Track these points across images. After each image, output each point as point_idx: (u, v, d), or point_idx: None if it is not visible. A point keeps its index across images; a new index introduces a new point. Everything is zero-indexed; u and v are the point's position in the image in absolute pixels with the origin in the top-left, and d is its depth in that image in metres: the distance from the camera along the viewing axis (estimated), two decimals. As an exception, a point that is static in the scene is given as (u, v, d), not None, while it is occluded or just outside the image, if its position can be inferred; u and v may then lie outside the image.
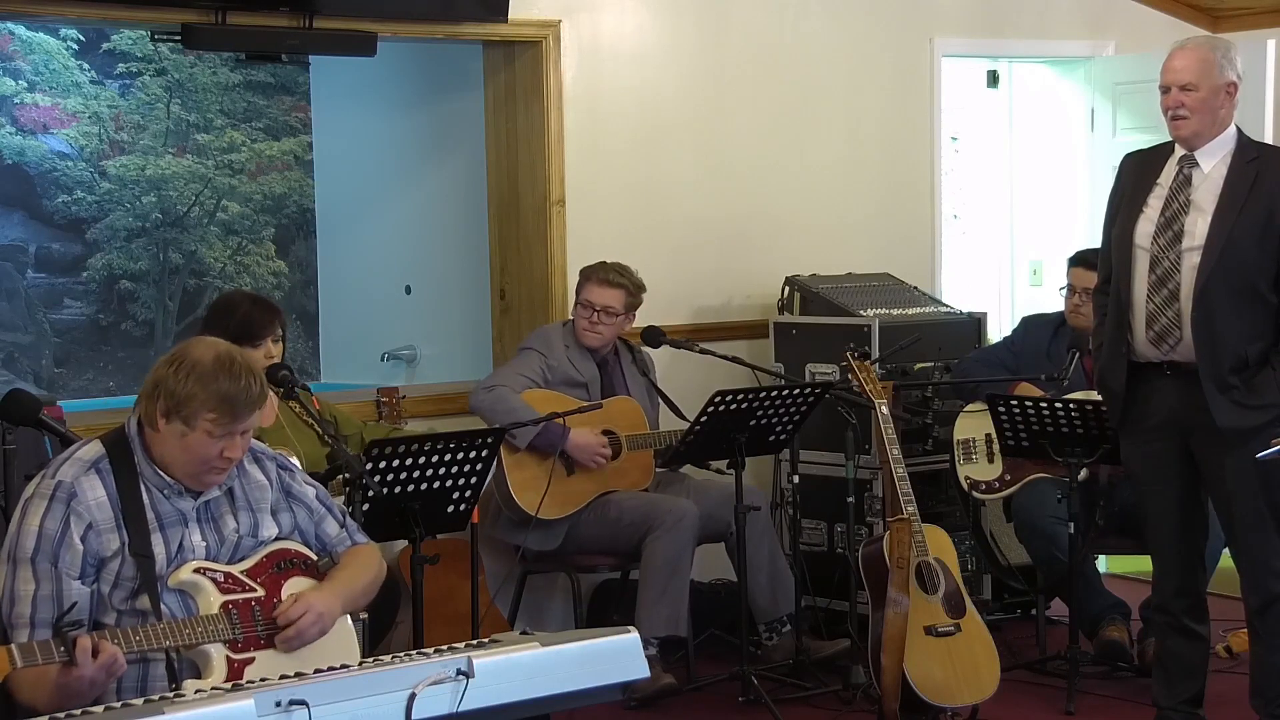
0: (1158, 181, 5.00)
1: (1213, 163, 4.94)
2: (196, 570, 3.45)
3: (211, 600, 3.43)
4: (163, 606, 3.41)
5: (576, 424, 5.77)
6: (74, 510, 3.38)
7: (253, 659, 3.42)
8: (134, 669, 3.35)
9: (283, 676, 2.93)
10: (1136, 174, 5.08)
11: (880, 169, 7.32)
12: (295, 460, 5.14)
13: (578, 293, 6.04)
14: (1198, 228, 4.89)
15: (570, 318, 6.11)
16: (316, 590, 3.58)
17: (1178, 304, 4.90)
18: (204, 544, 3.51)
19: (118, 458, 3.46)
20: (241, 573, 3.51)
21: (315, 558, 3.65)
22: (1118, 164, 5.24)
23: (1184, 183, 4.95)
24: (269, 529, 3.62)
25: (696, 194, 6.85)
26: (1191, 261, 4.88)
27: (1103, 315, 5.13)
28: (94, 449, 3.48)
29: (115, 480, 3.44)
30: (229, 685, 2.94)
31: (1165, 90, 4.96)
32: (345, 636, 3.64)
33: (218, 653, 3.38)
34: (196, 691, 2.92)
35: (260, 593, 3.50)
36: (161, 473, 3.48)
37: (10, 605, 3.35)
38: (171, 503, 3.49)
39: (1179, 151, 4.99)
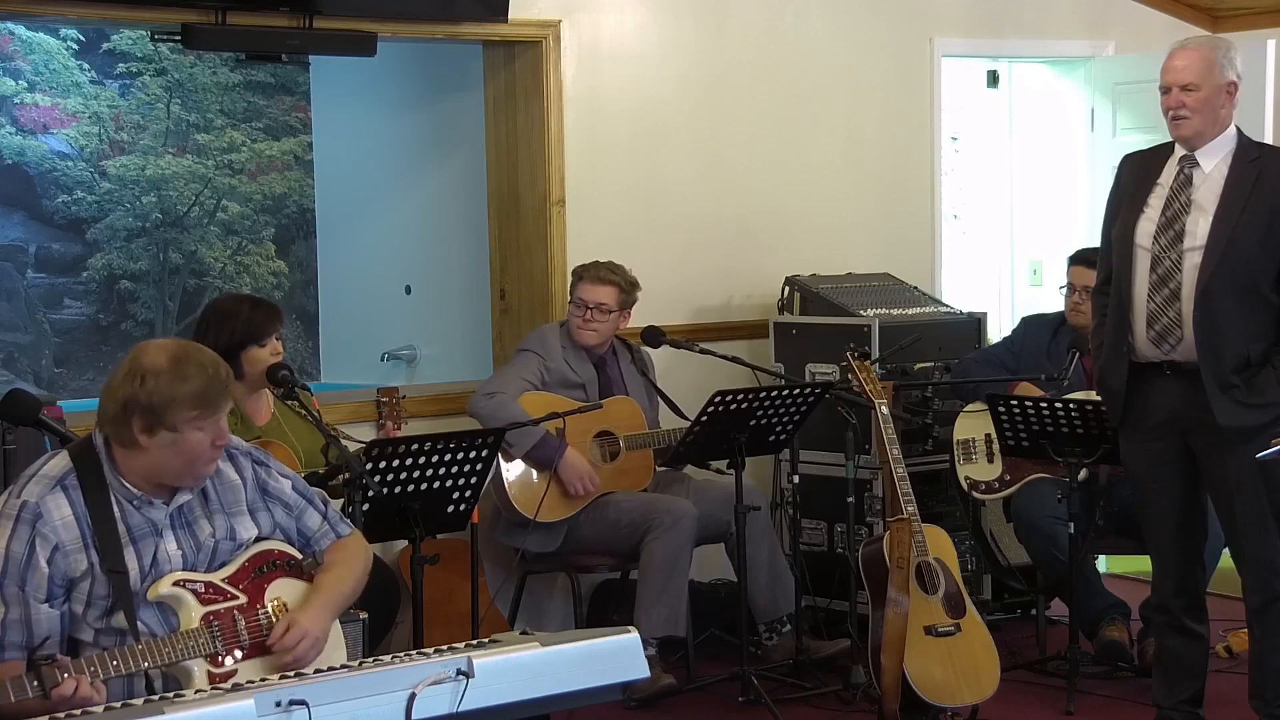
0: (1158, 181, 5.00)
1: (1214, 162, 4.94)
2: (176, 583, 3.40)
3: (192, 613, 3.38)
4: (141, 623, 3.36)
5: (575, 437, 5.76)
6: (39, 532, 3.31)
7: (235, 671, 3.38)
8: (116, 684, 3.28)
9: (282, 677, 2.93)
10: (1137, 174, 5.08)
11: (880, 169, 7.33)
12: (293, 459, 5.18)
13: (571, 292, 6.04)
14: (1199, 227, 4.89)
15: (566, 318, 6.11)
16: (306, 609, 3.52)
17: (1179, 304, 4.90)
18: (180, 552, 3.45)
19: (86, 471, 3.39)
20: (223, 580, 3.46)
21: (299, 557, 3.59)
22: (1117, 164, 5.24)
23: (1185, 183, 4.95)
24: (247, 530, 3.55)
25: (696, 194, 6.85)
26: (1193, 261, 4.88)
27: (1102, 315, 5.13)
28: (60, 463, 3.40)
29: (84, 495, 3.37)
30: (229, 685, 2.94)
31: (1166, 90, 4.96)
32: (333, 639, 3.61)
33: (199, 668, 3.34)
34: (197, 691, 2.92)
35: (242, 600, 3.46)
36: (130, 485, 3.40)
37: None
38: (143, 514, 3.42)
39: (1179, 151, 4.99)
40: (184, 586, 3.40)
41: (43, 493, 3.35)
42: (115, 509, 3.39)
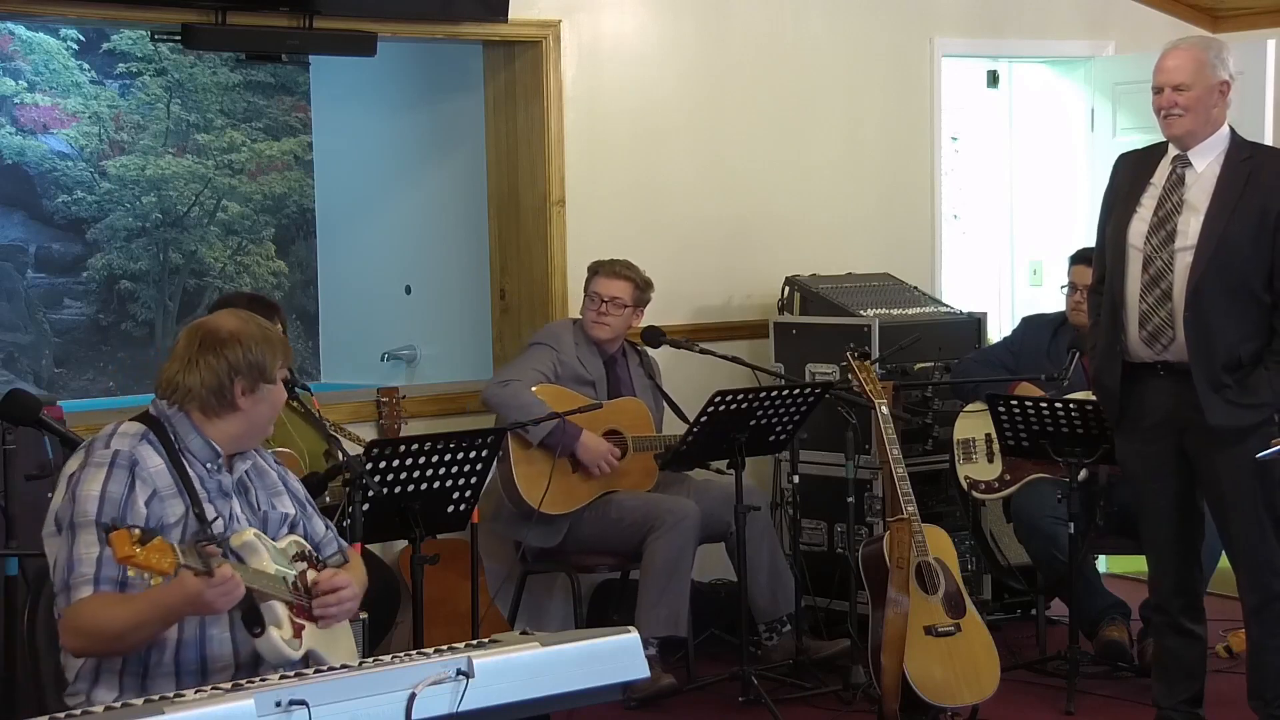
0: (1151, 181, 5.00)
1: (1206, 162, 4.94)
2: (255, 534, 3.44)
3: (265, 565, 3.40)
4: None
5: (586, 427, 5.78)
6: (138, 476, 3.37)
7: (304, 625, 3.42)
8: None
9: (282, 677, 2.93)
10: (1131, 174, 5.09)
11: (880, 169, 7.33)
12: (297, 460, 5.18)
13: (586, 287, 6.06)
14: (1190, 227, 4.89)
15: (578, 316, 6.12)
16: (347, 572, 3.61)
17: (1170, 304, 4.90)
18: (244, 515, 3.53)
19: (159, 435, 3.46)
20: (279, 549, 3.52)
21: (319, 556, 3.65)
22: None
23: (1177, 182, 4.95)
24: (286, 507, 3.64)
25: (696, 194, 6.85)
26: (1184, 261, 4.88)
27: (1097, 315, 5.14)
28: (136, 426, 3.47)
29: (165, 452, 3.45)
30: (229, 685, 2.94)
31: (1158, 90, 4.96)
32: (344, 637, 3.64)
33: (283, 610, 3.36)
34: (196, 691, 2.92)
35: (287, 570, 3.50)
36: (216, 444, 3.49)
37: (68, 570, 3.30)
38: (214, 478, 3.50)
39: (1172, 151, 4.99)
40: (260, 540, 3.44)
41: (133, 444, 3.42)
42: (190, 470, 3.46)
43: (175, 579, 3.12)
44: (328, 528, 3.77)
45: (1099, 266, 5.15)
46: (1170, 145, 5.00)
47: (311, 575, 3.54)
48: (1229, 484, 4.93)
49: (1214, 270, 4.84)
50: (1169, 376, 4.95)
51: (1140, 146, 5.26)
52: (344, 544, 3.80)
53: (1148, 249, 4.94)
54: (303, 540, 3.64)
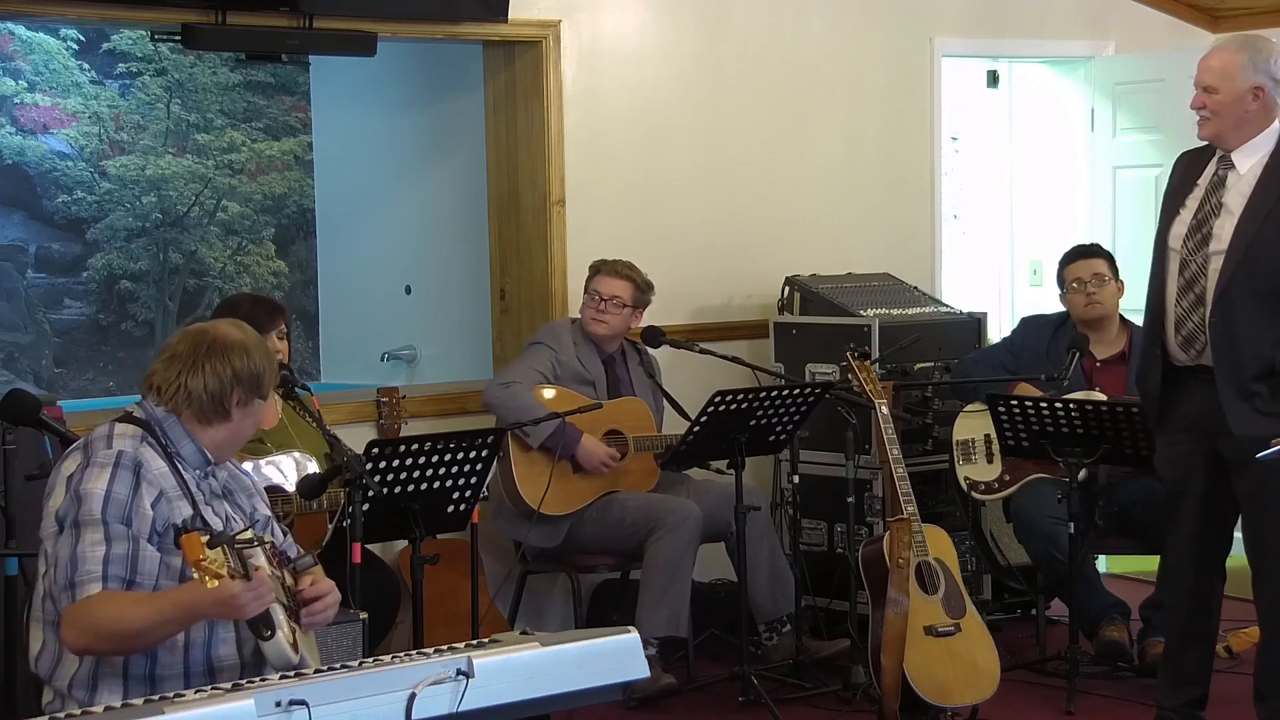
0: (1197, 182, 4.91)
1: (1249, 164, 4.83)
2: (254, 536, 3.42)
3: (265, 567, 3.38)
4: None
5: (587, 428, 5.78)
6: (145, 478, 3.36)
7: (295, 628, 3.42)
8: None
9: (282, 677, 2.93)
10: (1182, 174, 4.98)
11: (880, 169, 7.32)
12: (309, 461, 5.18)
13: (587, 285, 6.07)
14: (1225, 230, 4.80)
15: (577, 315, 6.12)
16: (320, 576, 3.61)
17: (1204, 308, 4.80)
18: (234, 519, 3.53)
19: (152, 438, 3.45)
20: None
21: (290, 556, 3.65)
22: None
23: (1218, 184, 4.86)
24: (263, 510, 3.65)
25: (696, 194, 6.85)
26: (1218, 265, 4.78)
27: None
28: (131, 429, 3.45)
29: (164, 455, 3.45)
30: (229, 685, 2.94)
31: (1196, 88, 4.92)
32: (313, 640, 3.65)
33: (283, 614, 3.35)
34: (196, 691, 2.92)
35: (280, 574, 3.50)
36: (207, 450, 3.48)
37: (72, 567, 3.27)
38: (206, 482, 3.51)
39: (1220, 151, 4.91)
40: (256, 544, 3.42)
41: (135, 445, 3.41)
42: (184, 473, 3.46)
43: (197, 579, 3.12)
44: (285, 534, 3.77)
45: None
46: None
47: (288, 578, 3.54)
48: (1260, 488, 4.80)
49: (1243, 274, 4.73)
50: (1207, 380, 4.83)
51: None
52: (301, 550, 3.78)
53: (1184, 252, 4.85)
54: (275, 543, 3.63)
